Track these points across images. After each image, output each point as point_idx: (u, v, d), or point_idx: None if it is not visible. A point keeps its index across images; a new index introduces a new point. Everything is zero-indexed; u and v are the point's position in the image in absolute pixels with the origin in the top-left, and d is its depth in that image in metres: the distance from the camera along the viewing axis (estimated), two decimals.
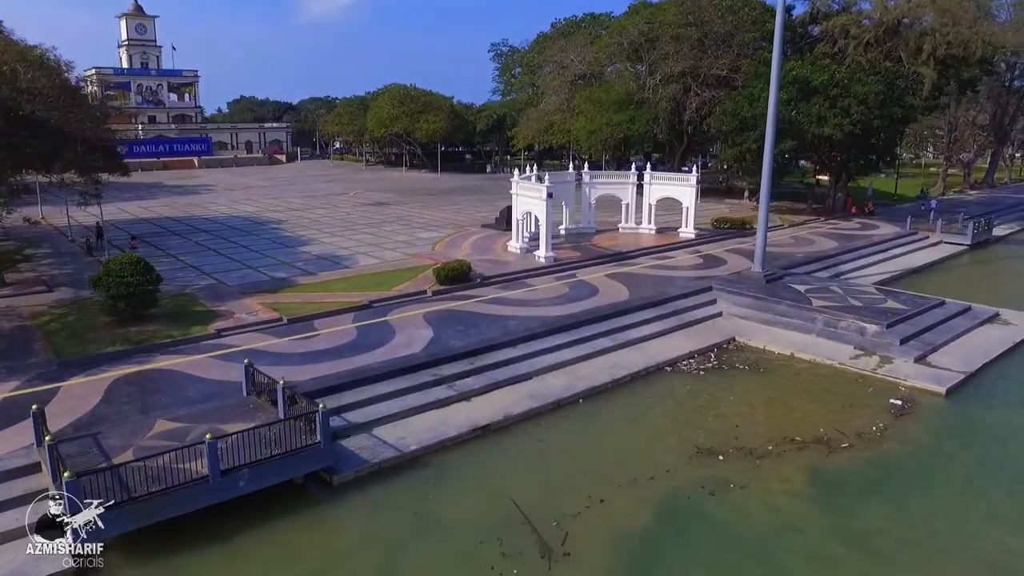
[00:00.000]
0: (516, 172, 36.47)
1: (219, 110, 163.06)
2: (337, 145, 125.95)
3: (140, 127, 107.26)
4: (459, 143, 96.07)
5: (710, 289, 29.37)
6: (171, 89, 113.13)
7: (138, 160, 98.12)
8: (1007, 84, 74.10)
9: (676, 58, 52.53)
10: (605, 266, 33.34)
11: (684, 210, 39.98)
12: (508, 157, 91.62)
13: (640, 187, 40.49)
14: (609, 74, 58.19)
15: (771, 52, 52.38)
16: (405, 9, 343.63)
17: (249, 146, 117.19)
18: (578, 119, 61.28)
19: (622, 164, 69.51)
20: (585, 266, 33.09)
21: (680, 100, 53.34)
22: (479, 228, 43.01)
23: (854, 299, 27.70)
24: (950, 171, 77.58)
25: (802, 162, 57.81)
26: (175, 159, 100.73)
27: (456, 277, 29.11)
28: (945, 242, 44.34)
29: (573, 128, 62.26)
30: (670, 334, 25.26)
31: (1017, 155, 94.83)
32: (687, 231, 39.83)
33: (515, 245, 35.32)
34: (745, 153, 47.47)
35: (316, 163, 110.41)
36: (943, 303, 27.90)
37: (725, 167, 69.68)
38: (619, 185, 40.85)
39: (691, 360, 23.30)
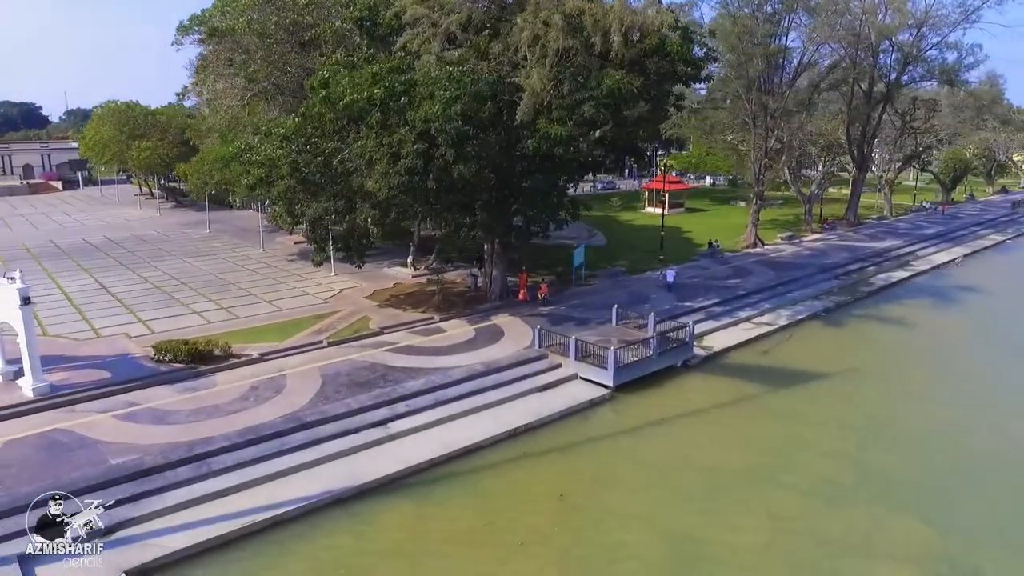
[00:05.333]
0: None
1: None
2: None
3: None
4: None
5: None
6: None
7: None
8: (867, 91, 55.32)
9: (241, 66, 33.83)
10: None
11: (19, 346, 21.39)
12: None
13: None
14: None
15: (361, 49, 34.00)
16: None
17: (29, 170, 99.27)
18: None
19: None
20: None
21: None
22: None
23: None
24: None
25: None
26: None
27: None
28: (582, 378, 25.58)
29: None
30: None
31: (905, 180, 75.66)
32: (27, 384, 21.17)
33: None
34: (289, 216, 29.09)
35: (89, 193, 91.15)
36: None
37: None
38: None
39: None
